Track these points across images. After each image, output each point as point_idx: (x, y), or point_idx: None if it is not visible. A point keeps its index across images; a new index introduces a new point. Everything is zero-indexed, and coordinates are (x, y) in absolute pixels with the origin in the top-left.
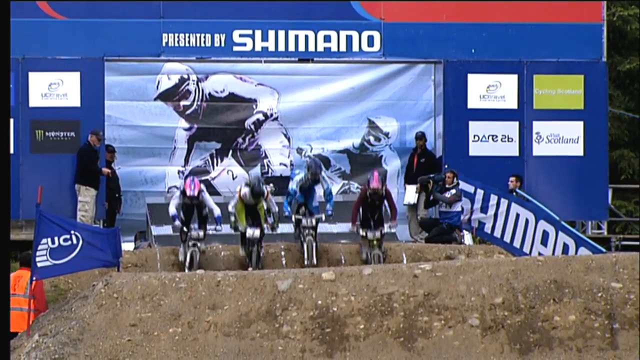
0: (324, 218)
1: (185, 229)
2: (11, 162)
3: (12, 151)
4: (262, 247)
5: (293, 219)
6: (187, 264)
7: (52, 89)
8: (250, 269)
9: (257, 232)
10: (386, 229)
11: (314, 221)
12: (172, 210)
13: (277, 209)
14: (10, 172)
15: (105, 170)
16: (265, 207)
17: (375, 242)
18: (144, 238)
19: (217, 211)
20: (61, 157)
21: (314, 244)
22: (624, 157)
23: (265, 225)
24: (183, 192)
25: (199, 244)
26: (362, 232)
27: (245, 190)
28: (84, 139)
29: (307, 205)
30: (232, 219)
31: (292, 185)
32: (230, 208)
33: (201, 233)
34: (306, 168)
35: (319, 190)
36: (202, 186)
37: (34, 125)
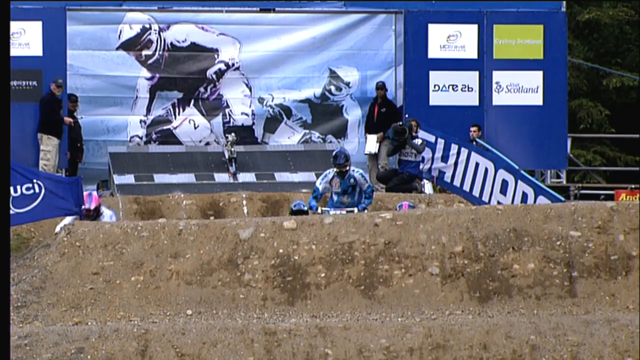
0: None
1: None
2: None
3: None
4: None
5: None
6: None
7: (14, 39)
8: None
9: None
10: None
11: None
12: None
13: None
14: None
15: (67, 119)
16: None
17: None
18: (106, 187)
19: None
20: (23, 106)
21: None
22: (583, 107)
23: None
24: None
25: None
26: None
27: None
28: (47, 89)
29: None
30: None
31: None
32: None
33: None
34: (333, 158)
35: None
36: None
37: None
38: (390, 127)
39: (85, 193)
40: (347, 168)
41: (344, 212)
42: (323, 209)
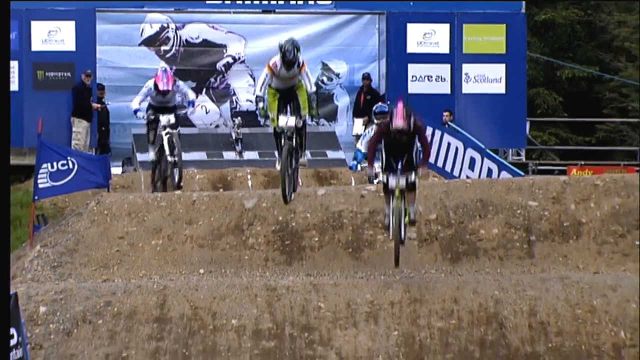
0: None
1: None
2: (16, 98)
3: (16, 89)
4: (301, 156)
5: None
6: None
7: (51, 36)
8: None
9: (292, 121)
10: (413, 176)
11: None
12: (135, 105)
13: (314, 88)
14: (15, 108)
15: (95, 105)
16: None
17: (398, 194)
18: (130, 164)
19: (191, 95)
20: (59, 94)
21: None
22: (540, 95)
23: (304, 113)
24: (155, 87)
25: (171, 130)
26: (381, 177)
27: (276, 58)
28: (78, 79)
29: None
30: (261, 105)
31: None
32: (259, 90)
33: (172, 118)
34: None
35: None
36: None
37: (36, 67)
38: (375, 111)
39: (159, 71)
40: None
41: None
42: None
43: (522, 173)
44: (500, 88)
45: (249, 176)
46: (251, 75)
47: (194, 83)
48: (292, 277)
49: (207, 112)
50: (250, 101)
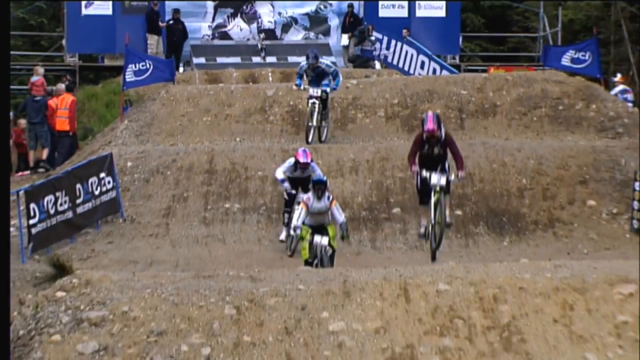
0: (328, 90)
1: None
2: (110, 20)
3: (110, 13)
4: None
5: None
6: (290, 246)
7: None
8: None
9: (325, 240)
10: (452, 177)
11: (319, 92)
12: (280, 175)
13: (345, 221)
14: (110, 27)
15: (161, 24)
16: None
17: (438, 189)
18: (188, 65)
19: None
20: (139, 17)
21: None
22: (469, 17)
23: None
24: (295, 161)
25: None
26: (424, 174)
27: (310, 194)
28: (150, 6)
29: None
30: (298, 231)
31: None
32: (295, 221)
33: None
34: (305, 57)
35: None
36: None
37: None
38: (356, 30)
39: (299, 150)
40: (316, 63)
41: (318, 90)
42: (306, 86)
43: (457, 71)
44: (442, 13)
45: (270, 74)
46: (272, 5)
47: (232, 10)
48: (298, 143)
49: (241, 30)
50: (271, 22)
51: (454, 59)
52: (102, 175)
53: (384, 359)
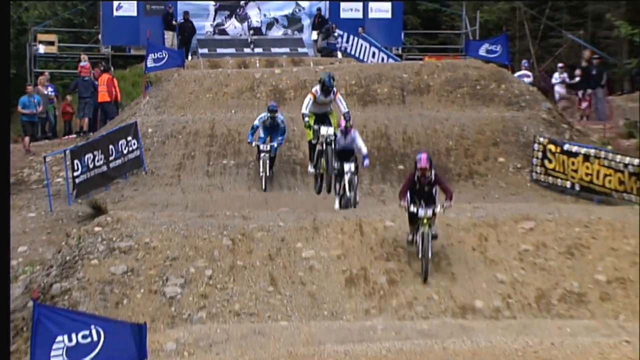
0: (275, 146)
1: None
2: (135, 20)
3: (135, 14)
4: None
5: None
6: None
7: None
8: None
9: (331, 130)
10: (439, 208)
11: (268, 147)
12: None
13: (347, 109)
14: (134, 26)
15: (174, 23)
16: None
17: (425, 221)
18: (195, 54)
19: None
20: (157, 17)
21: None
22: (409, 18)
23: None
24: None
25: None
26: (412, 209)
27: (317, 87)
28: (165, 10)
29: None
30: (306, 119)
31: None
32: (304, 109)
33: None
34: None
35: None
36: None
37: (145, 3)
38: (323, 28)
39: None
40: (275, 114)
41: (267, 146)
42: (256, 142)
43: (399, 59)
44: (388, 15)
45: (257, 61)
46: (259, 8)
47: (228, 12)
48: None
49: (235, 28)
50: (258, 22)
51: (398, 50)
52: (129, 138)
53: (344, 279)
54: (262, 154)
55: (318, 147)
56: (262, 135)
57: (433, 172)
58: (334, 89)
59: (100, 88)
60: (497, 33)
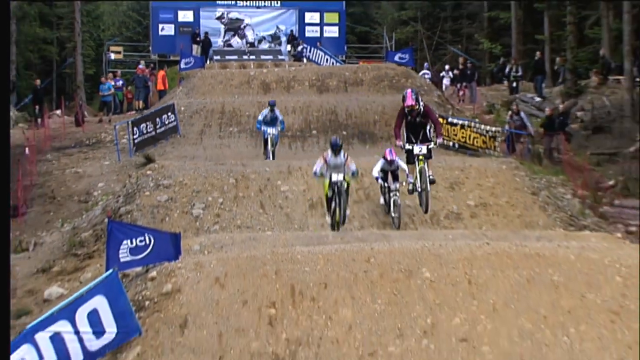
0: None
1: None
2: (173, 37)
3: (173, 34)
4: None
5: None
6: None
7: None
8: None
9: (340, 176)
10: (432, 145)
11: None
12: (375, 173)
13: (357, 169)
14: (172, 41)
15: (198, 39)
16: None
17: (421, 157)
18: (212, 60)
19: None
20: (187, 35)
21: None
22: (350, 36)
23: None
24: (384, 158)
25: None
26: (407, 146)
27: (328, 151)
28: (194, 30)
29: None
30: (318, 177)
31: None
32: (314, 169)
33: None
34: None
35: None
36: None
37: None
38: (295, 42)
39: (387, 150)
40: (275, 114)
41: (274, 130)
42: (264, 128)
43: (343, 63)
44: (336, 34)
45: (252, 64)
46: (252, 29)
47: (233, 32)
48: (269, 97)
49: (237, 42)
50: (253, 38)
51: (342, 57)
52: (169, 114)
53: (308, 205)
54: (268, 136)
55: (329, 192)
56: (264, 127)
57: (421, 104)
58: (345, 153)
59: (158, 81)
60: (406, 46)
